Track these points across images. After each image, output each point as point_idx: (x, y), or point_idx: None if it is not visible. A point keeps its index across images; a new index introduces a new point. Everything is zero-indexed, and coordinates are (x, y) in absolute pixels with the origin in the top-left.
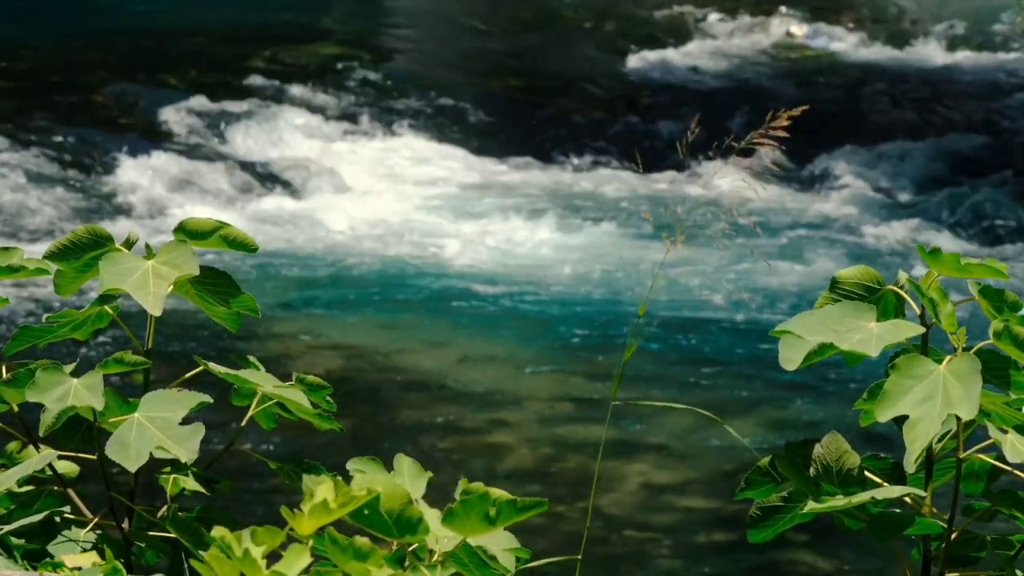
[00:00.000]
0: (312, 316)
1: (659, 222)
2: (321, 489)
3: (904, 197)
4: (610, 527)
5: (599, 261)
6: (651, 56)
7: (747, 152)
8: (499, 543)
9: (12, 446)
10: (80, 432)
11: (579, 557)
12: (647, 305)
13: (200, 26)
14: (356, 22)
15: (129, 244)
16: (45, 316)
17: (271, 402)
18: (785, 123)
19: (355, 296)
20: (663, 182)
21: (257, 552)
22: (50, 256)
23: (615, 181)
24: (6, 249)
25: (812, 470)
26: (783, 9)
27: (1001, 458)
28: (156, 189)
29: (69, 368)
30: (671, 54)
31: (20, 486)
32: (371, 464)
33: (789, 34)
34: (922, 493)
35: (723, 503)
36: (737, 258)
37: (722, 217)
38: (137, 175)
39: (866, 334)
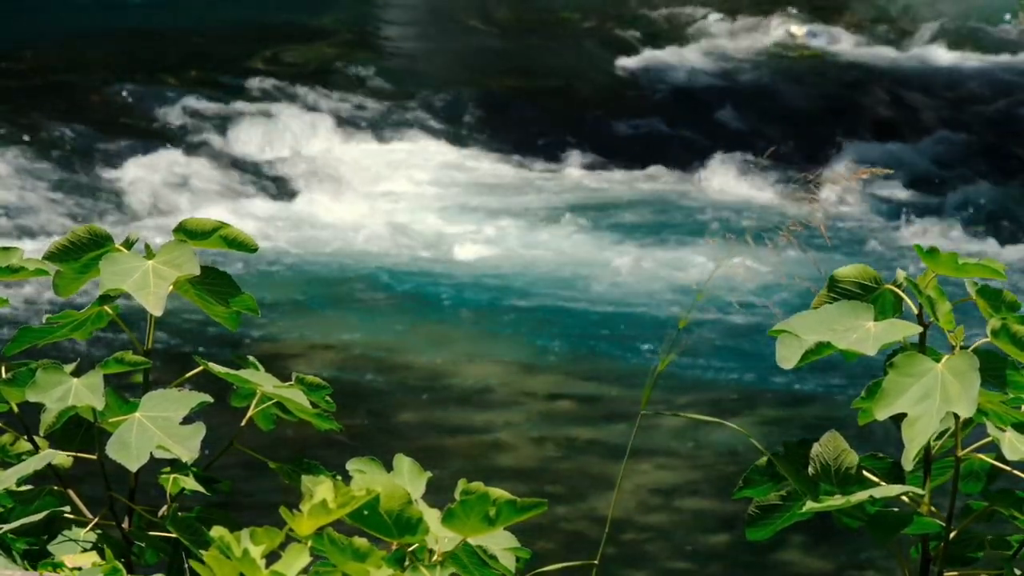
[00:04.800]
0: (312, 316)
1: (720, 236)
2: (320, 489)
3: (903, 197)
4: (610, 526)
5: (599, 261)
6: (651, 56)
7: (815, 185)
8: (499, 543)
9: (5, 438)
10: (80, 432)
11: (595, 562)
12: (687, 320)
13: (200, 26)
14: (356, 22)
15: (129, 244)
16: (45, 316)
17: (270, 402)
18: (864, 176)
19: (355, 296)
20: (665, 183)
21: (256, 552)
22: (50, 256)
23: (615, 182)
24: (6, 249)
25: (811, 469)
26: (783, 9)
27: (999, 457)
28: (156, 189)
29: (69, 368)
30: (671, 54)
31: (19, 485)
32: (370, 464)
33: (789, 34)
34: (920, 492)
35: (723, 503)
36: (751, 260)
37: (782, 230)
38: (137, 175)
39: (864, 333)
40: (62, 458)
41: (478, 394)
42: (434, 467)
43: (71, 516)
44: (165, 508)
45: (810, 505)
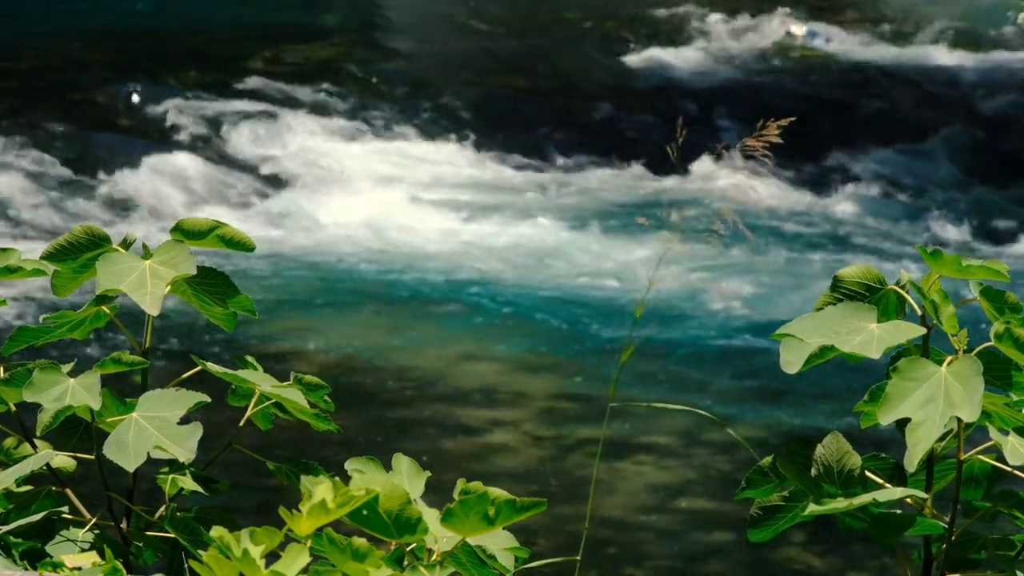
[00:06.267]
0: (311, 316)
1: (655, 224)
2: (320, 489)
3: (904, 197)
4: (610, 527)
5: (599, 261)
6: (651, 56)
7: (747, 156)
8: (498, 542)
9: (9, 442)
10: (78, 432)
11: (578, 558)
12: (644, 307)
13: (200, 26)
14: (356, 22)
15: (126, 244)
16: (43, 316)
17: (269, 402)
18: (775, 132)
19: (354, 296)
20: (664, 182)
21: (256, 552)
22: (48, 257)
23: (615, 181)
24: (4, 250)
25: (813, 470)
26: (783, 9)
27: (1001, 459)
28: (155, 189)
29: (67, 368)
30: (671, 54)
31: (18, 486)
32: (369, 464)
33: (789, 34)
34: (923, 495)
35: (723, 503)
36: (736, 256)
37: (715, 219)
38: (137, 175)
39: (867, 335)
40: (60, 459)
41: (478, 394)
42: (433, 467)
43: (69, 516)
44: (163, 508)
45: (813, 508)
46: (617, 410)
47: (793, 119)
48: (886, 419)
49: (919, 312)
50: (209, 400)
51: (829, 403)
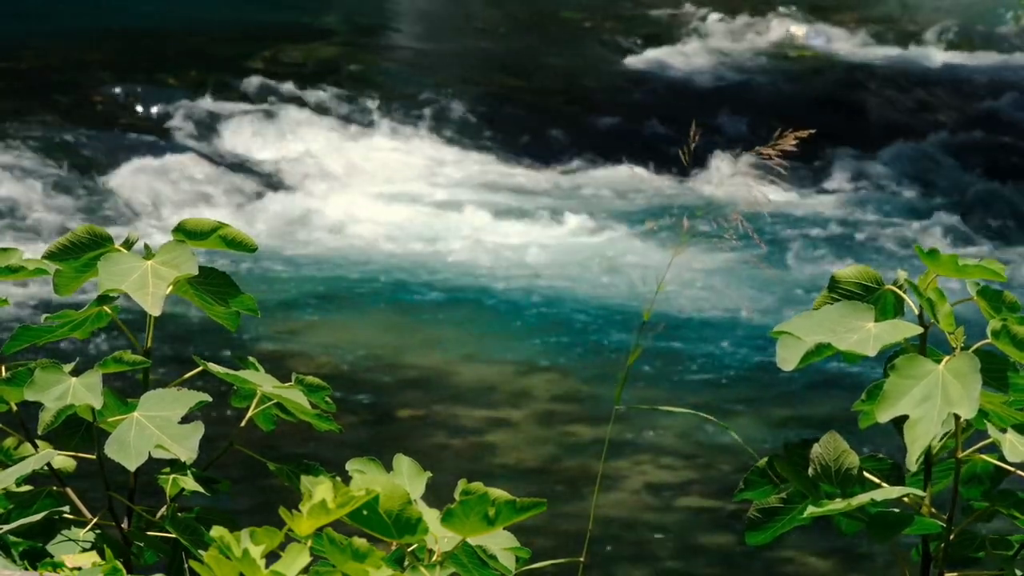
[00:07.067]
0: (311, 316)
1: (662, 228)
2: (320, 489)
3: (903, 197)
4: (610, 527)
5: (600, 261)
6: (651, 56)
7: (760, 164)
8: (499, 543)
9: (9, 442)
10: (79, 432)
11: (582, 559)
12: (651, 311)
13: (200, 26)
14: (356, 22)
15: (128, 244)
16: (44, 316)
17: (270, 403)
18: (792, 143)
19: (355, 296)
20: (665, 183)
21: (256, 552)
22: (49, 256)
23: (615, 182)
24: (5, 249)
25: (811, 470)
26: (783, 9)
27: (1001, 458)
28: (155, 189)
29: (68, 367)
30: (671, 54)
31: (18, 485)
32: (370, 464)
33: (789, 34)
34: (921, 493)
35: (723, 503)
36: (738, 259)
37: (726, 224)
38: (137, 175)
39: (864, 334)
40: (61, 458)
41: (478, 394)
42: (434, 467)
43: (70, 516)
44: (164, 508)
45: (811, 511)
46: (619, 411)
47: (813, 131)
48: (884, 416)
49: (917, 312)
50: (210, 400)
51: (834, 410)
